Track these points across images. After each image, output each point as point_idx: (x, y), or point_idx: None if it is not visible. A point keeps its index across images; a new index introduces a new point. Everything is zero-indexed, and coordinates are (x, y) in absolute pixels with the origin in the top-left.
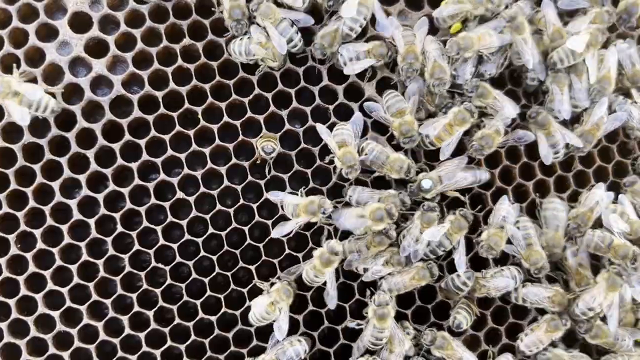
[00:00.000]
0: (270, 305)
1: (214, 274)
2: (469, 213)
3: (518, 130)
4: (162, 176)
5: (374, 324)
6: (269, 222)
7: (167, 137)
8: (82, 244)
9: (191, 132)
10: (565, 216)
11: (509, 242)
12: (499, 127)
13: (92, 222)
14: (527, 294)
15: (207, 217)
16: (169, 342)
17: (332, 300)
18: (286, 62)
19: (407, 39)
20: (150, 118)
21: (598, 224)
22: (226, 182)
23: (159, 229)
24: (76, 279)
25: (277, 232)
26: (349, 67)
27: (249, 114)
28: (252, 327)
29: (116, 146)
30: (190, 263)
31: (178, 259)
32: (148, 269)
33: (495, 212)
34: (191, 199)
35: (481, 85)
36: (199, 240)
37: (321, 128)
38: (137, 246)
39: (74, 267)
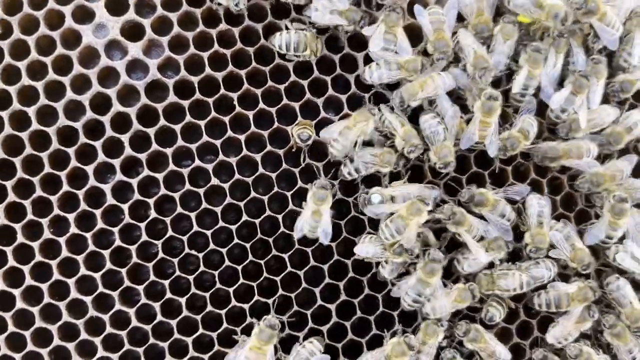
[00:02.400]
0: (313, 213)
1: (247, 262)
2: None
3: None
4: (197, 162)
5: (419, 277)
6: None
7: (202, 123)
8: (115, 229)
9: (226, 119)
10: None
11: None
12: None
13: (125, 207)
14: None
15: (241, 204)
16: (201, 330)
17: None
18: (323, 49)
19: (436, 24)
20: (186, 103)
21: None
22: (260, 170)
23: (192, 215)
24: (109, 265)
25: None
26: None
27: (285, 100)
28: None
29: (151, 131)
30: (224, 250)
31: (211, 246)
32: (180, 255)
33: (528, 212)
34: (225, 185)
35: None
36: (233, 227)
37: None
38: (170, 232)
39: (106, 253)
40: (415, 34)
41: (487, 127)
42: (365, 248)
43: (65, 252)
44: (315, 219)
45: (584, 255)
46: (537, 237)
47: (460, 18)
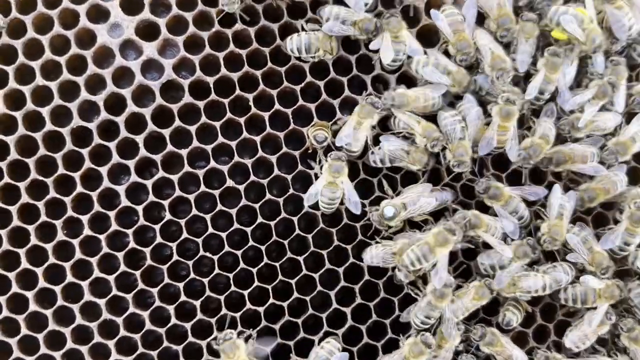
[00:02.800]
0: (329, 184)
1: (261, 264)
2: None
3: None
4: (212, 164)
5: (428, 301)
6: (318, 213)
7: (217, 124)
8: (130, 231)
9: (242, 120)
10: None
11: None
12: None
13: (139, 209)
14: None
15: (256, 206)
16: (215, 333)
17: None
18: (339, 50)
19: (454, 26)
20: (201, 104)
21: None
22: (276, 172)
23: (207, 217)
24: (122, 267)
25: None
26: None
27: (300, 101)
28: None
29: (166, 132)
30: (239, 253)
31: (226, 248)
32: (195, 258)
33: (550, 204)
34: (241, 187)
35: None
36: (248, 229)
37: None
38: (185, 234)
39: (120, 255)
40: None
41: (506, 132)
42: (371, 255)
43: (78, 254)
44: (331, 189)
45: (603, 258)
46: (554, 227)
47: (480, 19)
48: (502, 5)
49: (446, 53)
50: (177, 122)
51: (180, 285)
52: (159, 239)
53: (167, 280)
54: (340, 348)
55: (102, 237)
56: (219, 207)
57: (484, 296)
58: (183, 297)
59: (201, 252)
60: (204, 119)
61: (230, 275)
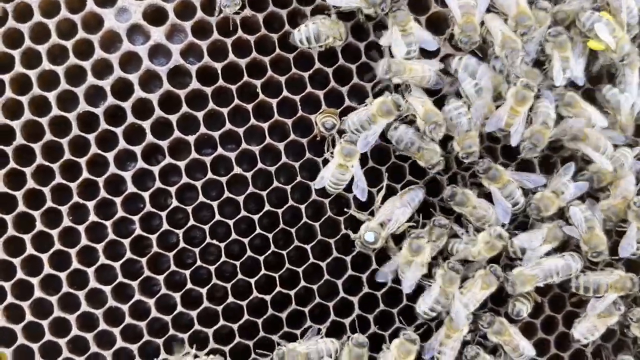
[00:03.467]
0: (339, 166)
1: (268, 252)
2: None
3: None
4: (219, 150)
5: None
6: (325, 201)
7: (225, 110)
8: (136, 218)
9: (249, 106)
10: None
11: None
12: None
13: (146, 195)
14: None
15: (264, 193)
16: (222, 321)
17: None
18: (348, 36)
19: (465, 8)
20: (209, 90)
21: None
22: (284, 159)
23: (215, 204)
24: (129, 254)
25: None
26: None
27: (309, 88)
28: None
29: (173, 118)
30: (246, 240)
31: (233, 235)
32: (201, 245)
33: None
34: (248, 174)
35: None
36: (255, 217)
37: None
38: (191, 222)
39: (126, 241)
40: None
41: (516, 116)
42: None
43: (84, 241)
44: (340, 171)
45: (599, 242)
46: (545, 199)
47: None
48: (520, 2)
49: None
50: (185, 108)
51: (187, 272)
52: (165, 226)
53: (173, 267)
54: (338, 350)
55: (108, 223)
56: (226, 194)
57: (491, 284)
58: (189, 285)
59: (208, 240)
60: (211, 105)
61: (237, 263)
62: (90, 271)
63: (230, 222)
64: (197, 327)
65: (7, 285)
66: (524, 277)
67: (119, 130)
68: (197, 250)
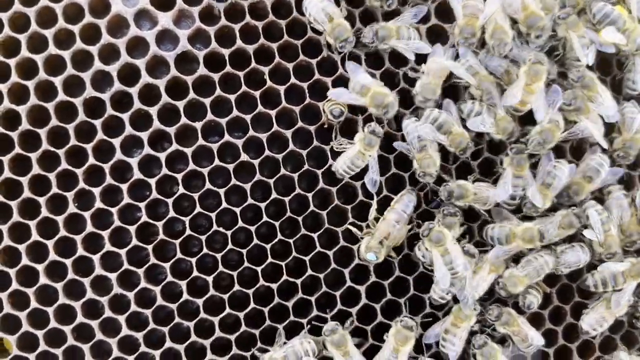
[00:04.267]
0: (358, 152)
1: (275, 241)
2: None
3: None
4: (227, 137)
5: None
6: (333, 189)
7: (232, 97)
8: (142, 205)
9: (257, 93)
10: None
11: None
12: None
13: (152, 182)
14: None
15: (271, 181)
16: (227, 310)
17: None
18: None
19: (470, 9)
20: (216, 76)
21: None
22: (291, 147)
23: (221, 191)
24: (134, 241)
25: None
26: None
27: (317, 76)
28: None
29: (180, 104)
30: (252, 228)
31: (240, 223)
32: (208, 233)
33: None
34: (255, 162)
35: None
36: (262, 205)
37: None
38: (198, 209)
39: (132, 228)
40: None
41: (531, 94)
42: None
43: (90, 227)
44: (358, 157)
45: (614, 243)
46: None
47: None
48: (526, 3)
49: None
50: (192, 95)
51: (193, 260)
52: (171, 213)
53: (179, 255)
54: (315, 351)
55: (114, 210)
56: (233, 181)
57: (500, 267)
58: (195, 273)
59: (214, 228)
60: (218, 91)
61: (244, 252)
62: (96, 258)
63: (237, 210)
64: (202, 315)
65: (12, 272)
66: (516, 278)
67: (125, 116)
68: (203, 237)
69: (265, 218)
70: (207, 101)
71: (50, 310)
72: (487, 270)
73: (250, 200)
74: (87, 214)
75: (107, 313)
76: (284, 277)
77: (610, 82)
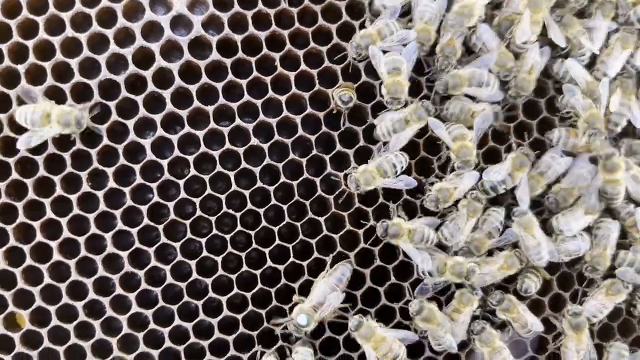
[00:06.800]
0: (404, 119)
1: (283, 224)
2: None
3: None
4: (237, 122)
5: None
6: (341, 175)
7: (244, 82)
8: (154, 186)
9: (268, 79)
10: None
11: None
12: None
13: (164, 163)
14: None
15: (280, 166)
16: (235, 290)
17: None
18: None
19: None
20: (228, 62)
21: None
22: (300, 132)
23: (231, 174)
24: (145, 221)
25: None
26: None
27: (326, 63)
28: None
29: (193, 88)
30: (261, 211)
31: (249, 206)
32: (218, 214)
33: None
34: (265, 146)
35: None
36: (271, 189)
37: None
38: (208, 191)
39: (144, 208)
40: None
41: (538, 26)
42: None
43: (102, 207)
44: (401, 125)
45: (604, 260)
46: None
47: None
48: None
49: None
50: (204, 79)
51: (203, 240)
52: (182, 194)
53: (189, 235)
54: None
55: (126, 190)
56: (243, 165)
57: (513, 265)
58: (205, 253)
59: (224, 209)
60: (230, 76)
61: (252, 233)
62: (108, 236)
63: (246, 193)
64: (211, 294)
65: (26, 248)
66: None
67: (139, 99)
68: (213, 219)
69: (273, 201)
70: (219, 86)
71: (62, 286)
72: (498, 265)
73: (259, 184)
74: (100, 194)
75: (118, 290)
76: (291, 259)
77: None
